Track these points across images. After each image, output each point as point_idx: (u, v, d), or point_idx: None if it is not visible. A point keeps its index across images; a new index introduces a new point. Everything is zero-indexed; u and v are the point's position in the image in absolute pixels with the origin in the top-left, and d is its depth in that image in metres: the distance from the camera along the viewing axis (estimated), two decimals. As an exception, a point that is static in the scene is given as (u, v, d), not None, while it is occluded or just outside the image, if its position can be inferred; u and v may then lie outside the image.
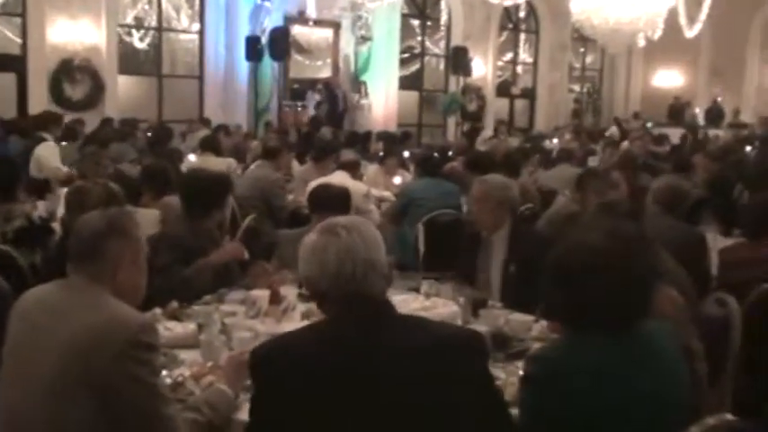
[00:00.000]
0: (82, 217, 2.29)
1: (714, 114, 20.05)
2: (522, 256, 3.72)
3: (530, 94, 21.19)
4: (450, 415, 1.87)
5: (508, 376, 2.59)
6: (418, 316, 2.53)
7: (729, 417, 2.00)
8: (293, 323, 3.21)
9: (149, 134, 11.19)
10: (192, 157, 8.77)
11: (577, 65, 22.57)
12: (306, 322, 3.17)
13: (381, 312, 1.98)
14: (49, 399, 2.05)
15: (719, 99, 20.39)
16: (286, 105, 15.53)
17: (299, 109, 15.59)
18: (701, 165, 8.24)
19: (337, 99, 15.27)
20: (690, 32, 16.51)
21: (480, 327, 3.07)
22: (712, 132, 16.96)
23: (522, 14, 20.73)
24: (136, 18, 14.34)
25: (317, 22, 15.74)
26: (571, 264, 2.12)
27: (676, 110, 20.18)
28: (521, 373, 2.54)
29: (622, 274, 2.07)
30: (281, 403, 1.88)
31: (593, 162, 10.16)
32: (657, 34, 15.29)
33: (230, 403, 2.36)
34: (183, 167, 7.64)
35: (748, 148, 13.05)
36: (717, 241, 5.02)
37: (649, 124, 17.96)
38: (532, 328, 3.12)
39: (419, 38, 18.71)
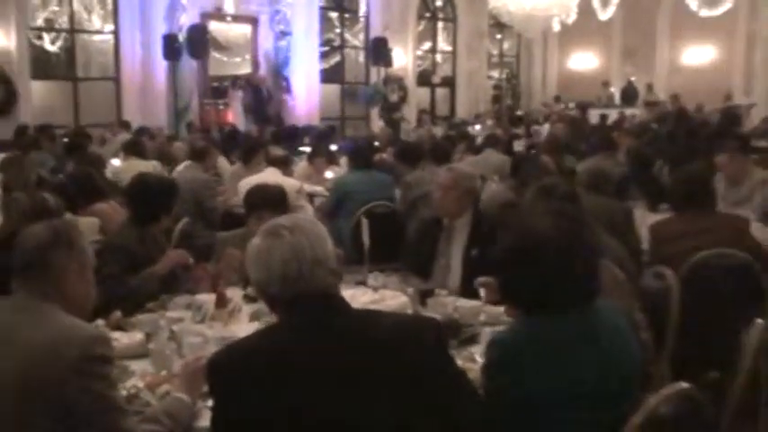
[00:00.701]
0: (26, 229, 2.21)
1: (629, 94, 20.61)
2: (484, 242, 3.75)
3: (450, 82, 21.37)
4: (414, 404, 1.88)
5: (463, 362, 2.61)
6: (371, 309, 2.54)
7: (684, 385, 2.06)
8: (241, 325, 3.19)
9: (66, 140, 10.86)
10: (115, 162, 8.57)
11: (495, 51, 22.86)
12: (255, 324, 3.16)
13: (334, 309, 1.97)
14: (8, 424, 1.98)
15: (633, 79, 20.96)
16: (207, 104, 15.30)
17: (221, 107, 15.38)
18: (623, 143, 8.46)
19: (262, 95, 15.11)
20: (603, 15, 16.93)
21: (430, 315, 3.11)
22: (629, 111, 17.44)
23: (439, 3, 20.89)
24: (46, 20, 13.89)
25: (235, 18, 15.55)
26: (521, 248, 2.17)
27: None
28: (478, 358, 2.60)
29: (571, 256, 2.12)
30: (242, 410, 1.85)
31: (518, 147, 10.35)
32: (572, 18, 15.65)
33: (190, 411, 2.32)
34: (108, 173, 7.46)
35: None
36: (645, 217, 5.18)
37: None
38: (481, 314, 3.15)
39: (338, 30, 18.66)
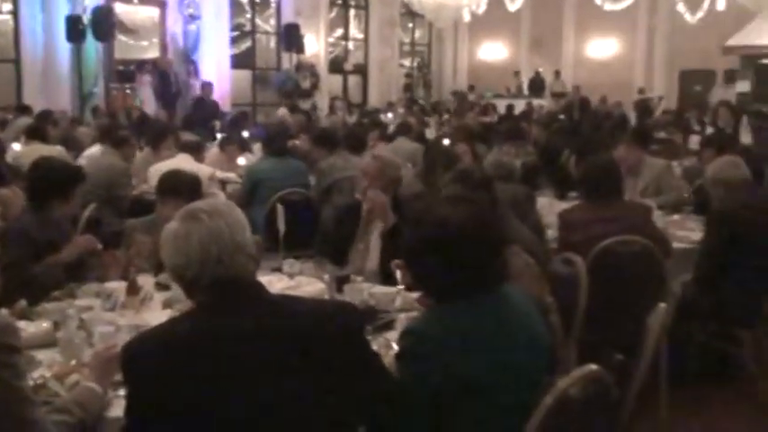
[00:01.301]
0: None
1: (536, 85, 21.08)
2: (401, 226, 3.76)
3: (362, 70, 21.39)
4: (331, 390, 1.88)
5: (379, 348, 2.63)
6: (289, 295, 2.52)
7: (593, 367, 2.13)
8: (154, 313, 3.14)
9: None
10: (16, 147, 8.26)
11: (407, 40, 23.00)
12: (168, 311, 3.11)
13: (253, 294, 1.94)
14: None
15: (541, 70, 21.44)
16: (114, 88, 14.87)
17: (128, 92, 14.98)
18: (532, 133, 8.66)
19: (170, 80, 14.77)
20: (512, 6, 17.23)
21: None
22: (536, 102, 17.84)
23: (351, -10, 20.88)
24: (-59, 0, 13.27)
25: (142, 0, 15.14)
26: (428, 237, 2.21)
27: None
28: (394, 345, 2.62)
29: (477, 242, 2.17)
30: (157, 398, 1.82)
31: (429, 135, 10.45)
32: (482, 8, 15.88)
33: (101, 401, 2.26)
34: (9, 158, 7.18)
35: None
36: (554, 205, 5.32)
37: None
38: (396, 300, 3.18)
39: (249, 15, 18.41)
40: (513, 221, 3.82)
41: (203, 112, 13.24)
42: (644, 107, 15.11)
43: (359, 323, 2.06)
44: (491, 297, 2.20)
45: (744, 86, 18.75)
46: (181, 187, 3.87)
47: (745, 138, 9.55)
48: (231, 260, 1.90)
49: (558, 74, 20.92)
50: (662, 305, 2.71)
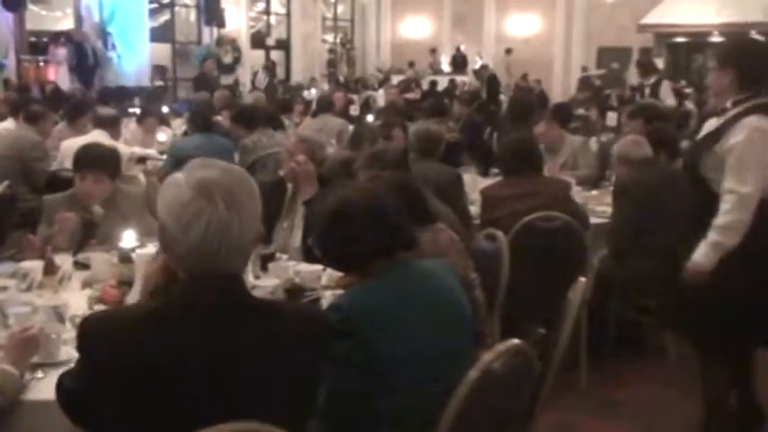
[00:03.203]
0: None
1: (457, 61, 21.23)
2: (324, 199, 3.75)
3: (284, 46, 21.15)
4: (295, 403, 1.81)
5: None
6: (270, 300, 2.46)
7: (517, 341, 2.17)
8: (73, 293, 3.06)
9: None
10: None
11: (329, 15, 22.82)
12: (87, 291, 3.03)
13: (237, 295, 1.77)
14: None
15: (463, 47, 21.59)
16: (25, 60, 14.33)
17: (42, 64, 14.45)
18: (454, 110, 8.73)
19: (87, 53, 14.30)
20: (434, -18, 17.25)
21: (271, 280, 3.11)
22: (459, 79, 17.98)
23: (272, -37, 20.57)
24: None
25: (55, -31, 14.63)
26: (333, 215, 2.34)
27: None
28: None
29: (377, 216, 2.30)
30: (112, 383, 1.67)
31: (354, 112, 10.43)
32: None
33: (17, 384, 2.19)
34: None
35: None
36: (476, 182, 5.38)
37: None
38: (322, 277, 3.18)
39: (167, -14, 17.99)
40: (434, 199, 3.85)
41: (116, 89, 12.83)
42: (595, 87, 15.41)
43: (329, 339, 1.92)
44: (405, 272, 2.29)
45: (658, 64, 19.26)
46: (99, 160, 3.77)
47: (669, 101, 9.82)
48: (228, 258, 1.72)
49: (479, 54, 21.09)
50: (582, 279, 2.78)
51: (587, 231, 4.36)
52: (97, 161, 3.78)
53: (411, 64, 20.71)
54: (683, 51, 19.68)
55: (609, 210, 4.97)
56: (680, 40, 19.42)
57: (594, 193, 5.53)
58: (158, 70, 16.74)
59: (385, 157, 3.68)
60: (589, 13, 20.75)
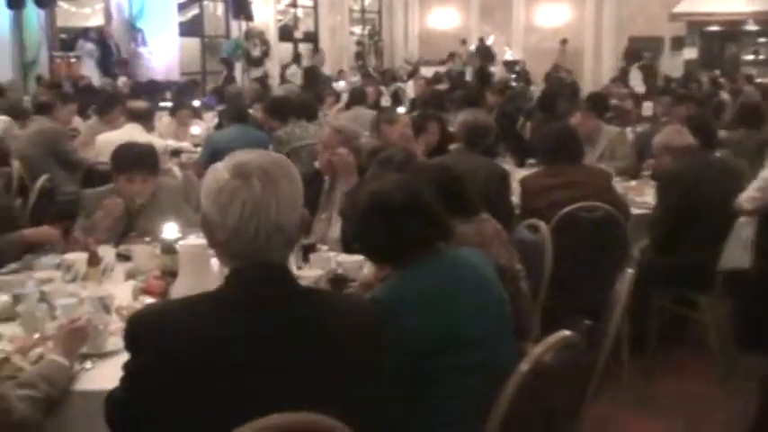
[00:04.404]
0: None
1: (482, 52, 21.02)
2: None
3: (312, 38, 21.13)
4: (352, 402, 1.72)
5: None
6: (323, 290, 2.46)
7: (567, 333, 2.13)
8: (116, 284, 3.07)
9: None
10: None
11: (356, 7, 22.76)
12: (131, 282, 3.04)
13: (287, 287, 1.73)
14: None
15: (491, 38, 21.40)
16: (57, 57, 14.46)
17: (73, 60, 14.57)
18: (490, 100, 8.66)
19: (110, 49, 14.40)
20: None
21: (314, 271, 3.09)
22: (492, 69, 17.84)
23: (299, -44, 20.54)
24: None
25: (85, -34, 14.72)
26: (368, 208, 2.38)
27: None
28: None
29: (412, 208, 2.35)
30: (161, 382, 1.63)
31: (385, 103, 10.40)
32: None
33: (67, 375, 2.20)
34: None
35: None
36: (514, 172, 5.32)
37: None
38: (364, 267, 3.15)
39: (196, -19, 18.02)
40: (477, 191, 3.79)
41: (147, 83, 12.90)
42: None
43: (388, 336, 1.87)
44: (440, 260, 2.33)
45: (691, 53, 19.05)
46: (143, 160, 3.79)
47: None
48: (268, 242, 1.68)
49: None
50: (629, 270, 2.73)
51: (628, 222, 4.29)
52: (142, 162, 3.80)
53: (451, 55, 20.40)
54: (717, 40, 19.41)
55: (649, 200, 4.91)
56: (713, 28, 19.15)
57: (633, 183, 5.45)
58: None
59: (393, 162, 3.63)
60: (620, 2, 20.50)
